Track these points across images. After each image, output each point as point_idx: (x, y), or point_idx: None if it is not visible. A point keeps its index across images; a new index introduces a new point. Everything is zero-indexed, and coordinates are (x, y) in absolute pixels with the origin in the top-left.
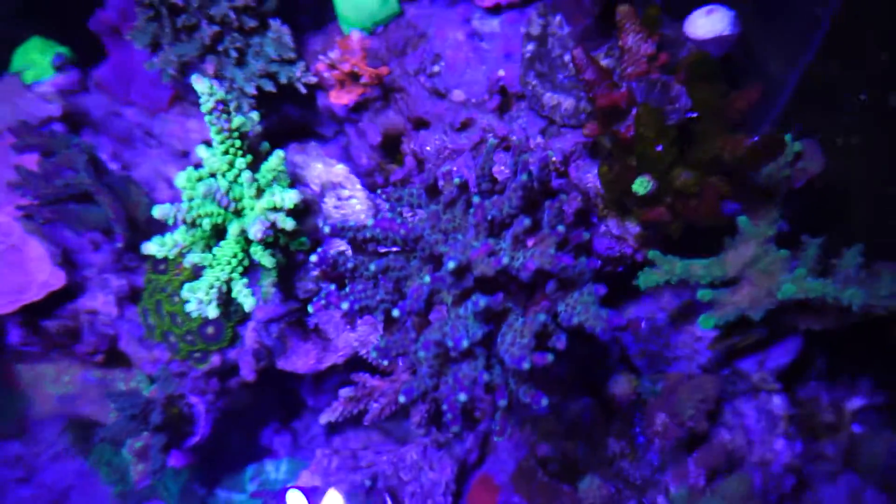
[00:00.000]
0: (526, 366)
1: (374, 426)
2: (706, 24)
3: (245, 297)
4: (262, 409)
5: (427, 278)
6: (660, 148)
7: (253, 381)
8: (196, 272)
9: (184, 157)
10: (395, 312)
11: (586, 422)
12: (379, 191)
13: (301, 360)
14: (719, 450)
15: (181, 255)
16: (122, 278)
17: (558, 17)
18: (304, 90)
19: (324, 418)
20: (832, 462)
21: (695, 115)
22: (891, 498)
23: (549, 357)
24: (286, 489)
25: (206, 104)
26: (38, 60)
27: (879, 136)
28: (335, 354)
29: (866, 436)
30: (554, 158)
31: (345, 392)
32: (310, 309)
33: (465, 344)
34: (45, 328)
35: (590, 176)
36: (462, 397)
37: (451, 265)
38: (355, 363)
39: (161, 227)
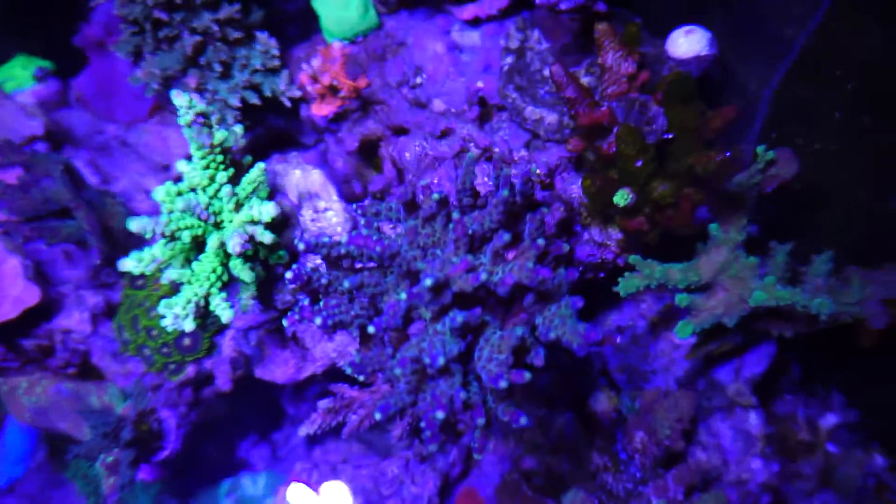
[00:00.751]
0: (503, 385)
1: (356, 438)
2: (685, 44)
3: (223, 311)
4: (240, 420)
5: (403, 295)
6: (639, 163)
7: (229, 391)
8: (175, 287)
9: (164, 170)
10: (371, 329)
11: (570, 437)
12: (354, 205)
13: (280, 369)
14: (695, 469)
15: (159, 270)
16: (98, 295)
17: (536, 33)
18: (288, 104)
19: (303, 430)
20: (808, 481)
21: (671, 135)
22: None
23: (527, 375)
24: None
25: (185, 117)
26: (18, 74)
27: (852, 149)
28: (313, 364)
29: (840, 457)
30: (538, 171)
31: (323, 404)
32: (284, 323)
33: (441, 361)
34: (22, 347)
35: (574, 187)
36: (439, 415)
37: (428, 282)
38: (335, 372)
39: (139, 241)
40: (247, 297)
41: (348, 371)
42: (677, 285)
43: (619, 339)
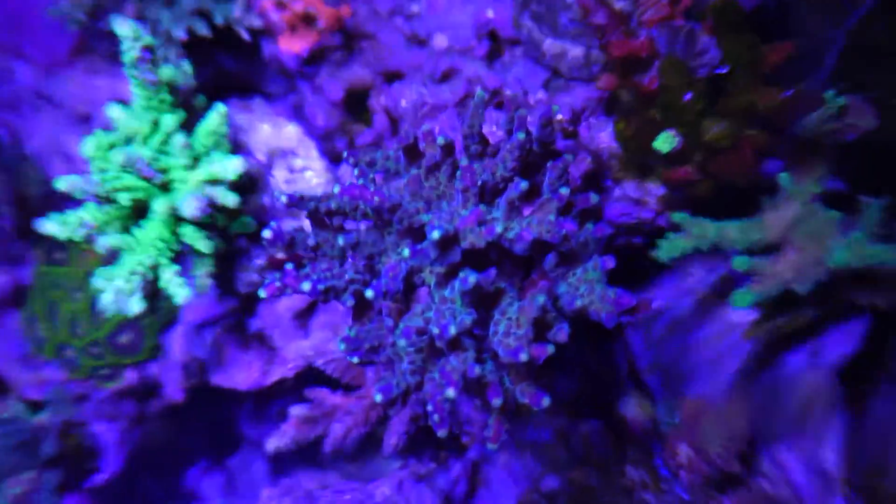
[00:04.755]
0: (523, 357)
1: (333, 466)
2: None
3: (177, 287)
4: (188, 443)
5: (406, 251)
6: (688, 96)
7: (180, 403)
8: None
9: (87, 122)
10: (369, 293)
11: (598, 447)
12: (345, 153)
13: (242, 373)
14: (759, 497)
15: (89, 239)
16: (4, 274)
17: None
18: (247, 36)
19: (271, 444)
20: None
21: (725, 69)
22: None
23: (550, 348)
24: None
25: (130, 52)
26: None
27: None
28: (284, 367)
29: None
30: (560, 116)
31: (298, 411)
32: (262, 293)
33: (452, 331)
34: None
35: (604, 135)
36: (451, 393)
37: (435, 234)
38: (310, 377)
39: (60, 209)
40: (203, 273)
41: (340, 348)
42: (735, 247)
43: (655, 304)
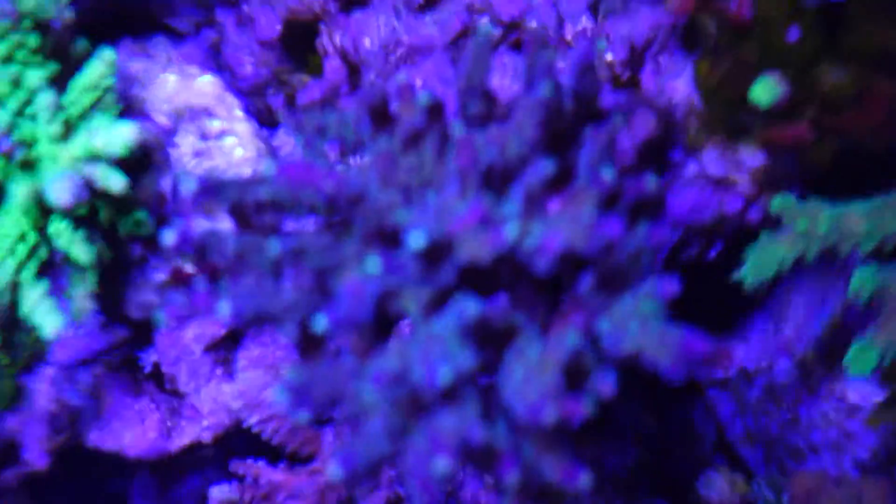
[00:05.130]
0: (550, 416)
1: None
2: None
3: (46, 314)
4: None
5: (374, 264)
6: (794, 35)
7: (44, 472)
8: None
9: None
10: (321, 324)
11: None
12: (283, 114)
13: (132, 431)
14: None
15: None
16: None
17: None
18: None
19: None
20: None
21: None
22: None
23: (587, 405)
24: None
25: None
26: None
27: None
28: (196, 424)
29: None
30: (610, 57)
31: (220, 493)
32: (160, 319)
33: (445, 376)
34: None
35: (680, 83)
36: (442, 465)
37: (417, 240)
38: (239, 440)
39: None
40: (81, 293)
41: (279, 399)
42: (860, 249)
43: (741, 359)
